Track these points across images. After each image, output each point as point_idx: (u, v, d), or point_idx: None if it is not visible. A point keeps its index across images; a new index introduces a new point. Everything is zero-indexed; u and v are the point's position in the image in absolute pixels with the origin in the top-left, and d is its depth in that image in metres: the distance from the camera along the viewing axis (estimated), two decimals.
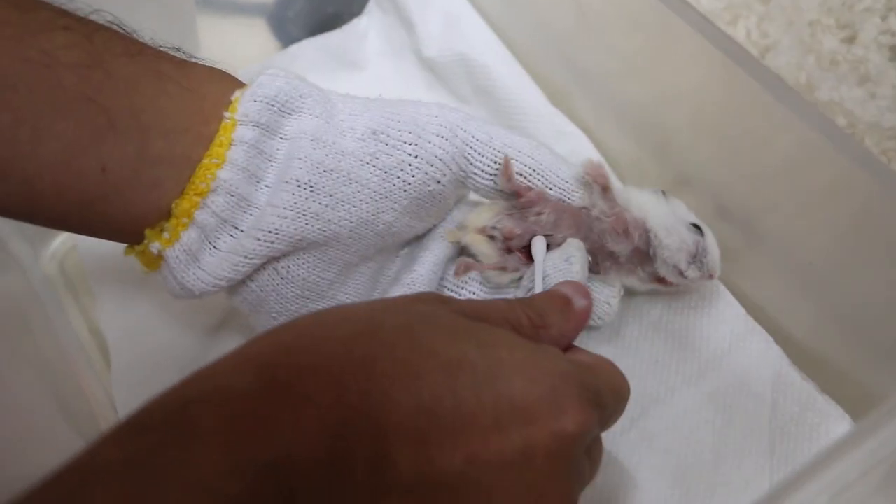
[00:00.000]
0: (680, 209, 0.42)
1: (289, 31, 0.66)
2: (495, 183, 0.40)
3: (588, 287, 0.38)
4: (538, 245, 0.41)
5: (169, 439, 0.24)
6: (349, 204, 0.38)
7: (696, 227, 0.41)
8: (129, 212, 0.35)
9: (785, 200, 0.41)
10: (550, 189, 0.41)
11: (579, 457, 0.29)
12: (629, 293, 0.44)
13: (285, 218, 0.37)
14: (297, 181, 0.37)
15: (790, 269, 0.42)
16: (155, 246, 0.37)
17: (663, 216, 0.41)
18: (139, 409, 0.25)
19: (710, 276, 0.41)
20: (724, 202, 0.44)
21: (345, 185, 0.38)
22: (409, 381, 0.26)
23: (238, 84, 0.38)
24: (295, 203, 0.37)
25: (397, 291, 0.43)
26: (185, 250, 0.37)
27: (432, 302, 0.32)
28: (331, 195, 0.38)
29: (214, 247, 0.37)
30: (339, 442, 0.24)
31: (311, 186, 0.37)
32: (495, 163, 0.40)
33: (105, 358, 0.50)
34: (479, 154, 0.40)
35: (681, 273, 0.41)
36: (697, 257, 0.41)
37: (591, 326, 0.44)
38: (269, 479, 0.23)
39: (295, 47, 0.63)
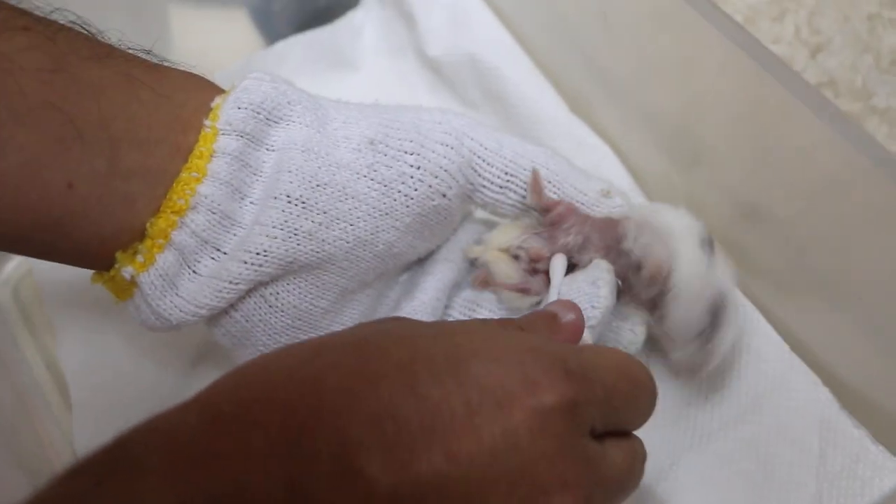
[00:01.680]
0: (715, 276, 0.43)
1: (274, 25, 0.68)
2: (506, 197, 0.43)
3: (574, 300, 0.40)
4: (557, 264, 0.43)
5: (108, 475, 0.27)
6: (345, 222, 0.40)
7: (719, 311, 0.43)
8: (98, 232, 0.37)
9: (831, 225, 0.43)
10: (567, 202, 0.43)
11: (575, 434, 0.30)
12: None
13: (275, 238, 0.39)
14: (288, 196, 0.39)
15: (838, 301, 0.44)
16: (127, 271, 0.38)
17: (694, 281, 0.42)
18: (78, 458, 0.28)
19: (698, 369, 0.43)
20: (763, 224, 0.46)
21: (340, 201, 0.40)
22: (363, 388, 0.28)
23: (218, 91, 0.40)
24: (285, 221, 0.39)
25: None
26: (161, 275, 0.38)
27: (389, 320, 0.35)
28: (325, 212, 0.40)
29: (194, 271, 0.39)
30: (295, 465, 0.27)
31: (303, 202, 0.39)
32: (506, 174, 0.42)
33: (64, 398, 0.52)
34: (488, 164, 0.42)
35: (671, 341, 0.43)
36: (701, 341, 0.43)
37: None
38: None
39: (281, 45, 0.65)
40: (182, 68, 0.40)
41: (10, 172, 0.34)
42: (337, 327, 0.43)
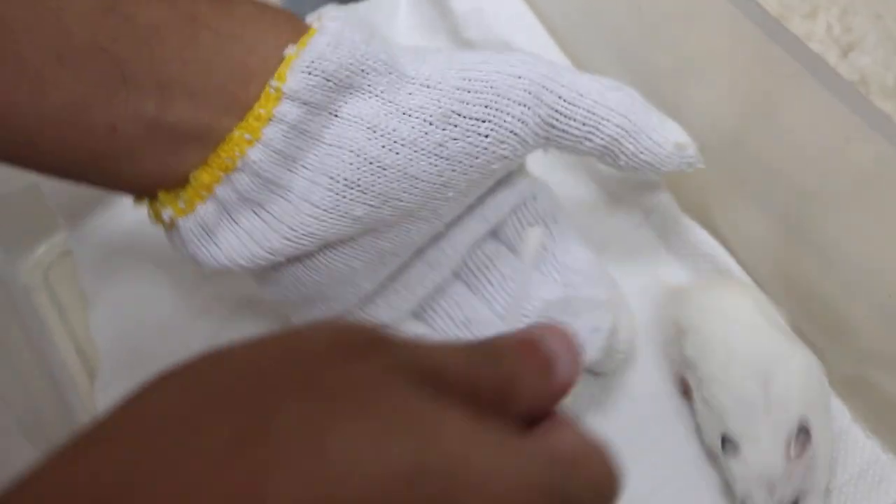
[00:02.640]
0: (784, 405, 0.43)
1: (307, 1, 0.68)
2: (582, 145, 0.42)
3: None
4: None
5: None
6: (396, 199, 0.40)
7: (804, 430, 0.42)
8: (141, 174, 0.37)
9: (861, 220, 0.43)
10: (643, 154, 0.43)
11: None
12: None
13: (323, 221, 0.39)
14: (346, 181, 0.38)
15: (869, 300, 0.44)
16: (167, 213, 0.38)
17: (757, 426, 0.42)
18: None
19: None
20: (792, 220, 0.47)
21: (397, 181, 0.39)
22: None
23: (296, 30, 0.38)
24: (337, 205, 0.39)
25: (422, 268, 0.45)
26: (199, 224, 0.38)
27: (367, 356, 0.23)
28: (380, 195, 0.39)
29: (233, 229, 0.39)
30: None
31: (361, 188, 0.39)
32: (584, 124, 0.42)
33: (92, 381, 0.52)
34: (566, 118, 0.41)
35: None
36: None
37: (597, 373, 0.48)
38: None
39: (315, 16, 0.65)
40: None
41: (53, 113, 0.34)
42: (366, 284, 0.43)
